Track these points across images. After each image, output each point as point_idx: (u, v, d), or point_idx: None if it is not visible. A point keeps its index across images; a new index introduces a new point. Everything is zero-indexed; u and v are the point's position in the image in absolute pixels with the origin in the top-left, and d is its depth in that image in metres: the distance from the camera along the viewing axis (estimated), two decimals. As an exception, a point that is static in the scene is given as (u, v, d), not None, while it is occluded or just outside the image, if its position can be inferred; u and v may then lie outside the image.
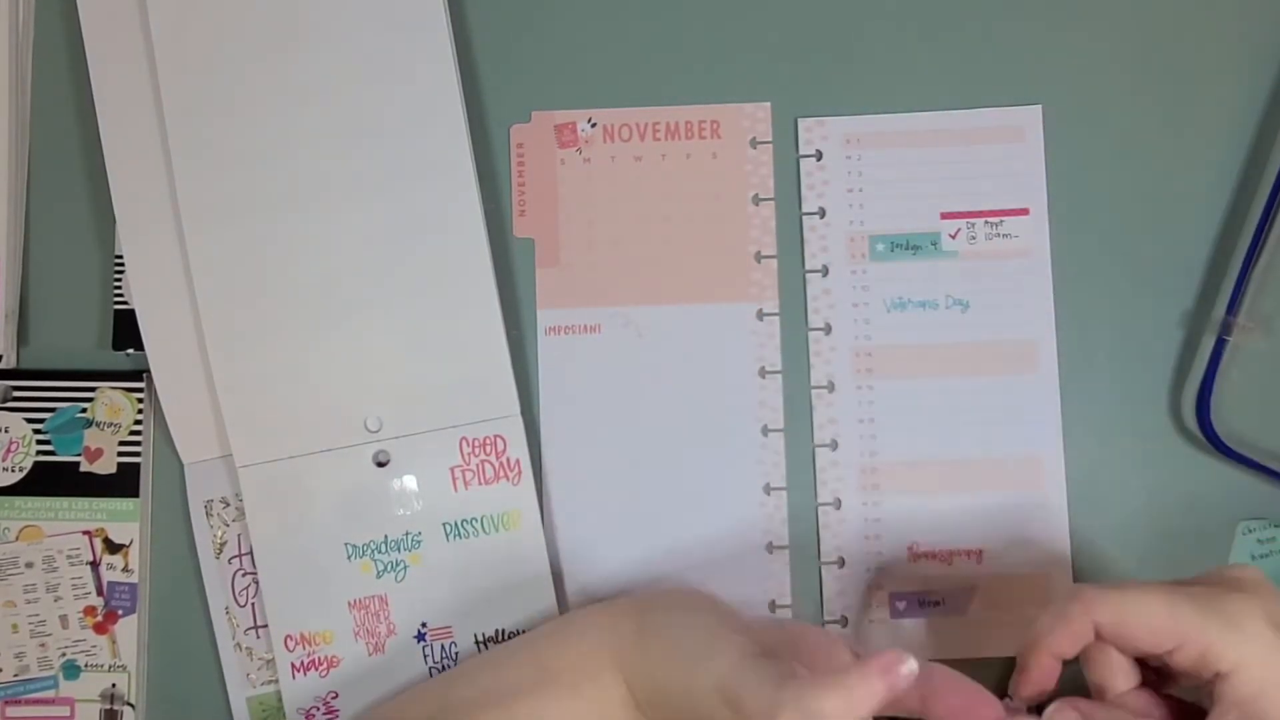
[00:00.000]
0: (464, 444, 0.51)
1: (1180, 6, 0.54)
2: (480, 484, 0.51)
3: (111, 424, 0.52)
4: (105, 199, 0.52)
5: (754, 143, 0.54)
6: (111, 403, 0.52)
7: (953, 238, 0.53)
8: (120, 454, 0.52)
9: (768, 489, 0.52)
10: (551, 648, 0.45)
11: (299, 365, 0.51)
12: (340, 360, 0.51)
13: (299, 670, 0.50)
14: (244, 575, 0.51)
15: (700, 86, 0.54)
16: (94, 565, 0.52)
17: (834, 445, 0.52)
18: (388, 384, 0.51)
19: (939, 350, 0.52)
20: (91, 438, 0.52)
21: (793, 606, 0.52)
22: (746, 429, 0.52)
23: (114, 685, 0.51)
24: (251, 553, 0.51)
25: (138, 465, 0.52)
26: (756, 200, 0.53)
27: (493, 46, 0.54)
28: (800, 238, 0.53)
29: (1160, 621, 0.41)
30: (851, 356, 0.53)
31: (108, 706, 0.51)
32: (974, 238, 0.53)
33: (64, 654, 0.51)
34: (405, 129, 0.51)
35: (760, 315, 0.53)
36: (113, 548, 0.52)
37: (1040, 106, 0.53)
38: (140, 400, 0.52)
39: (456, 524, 0.51)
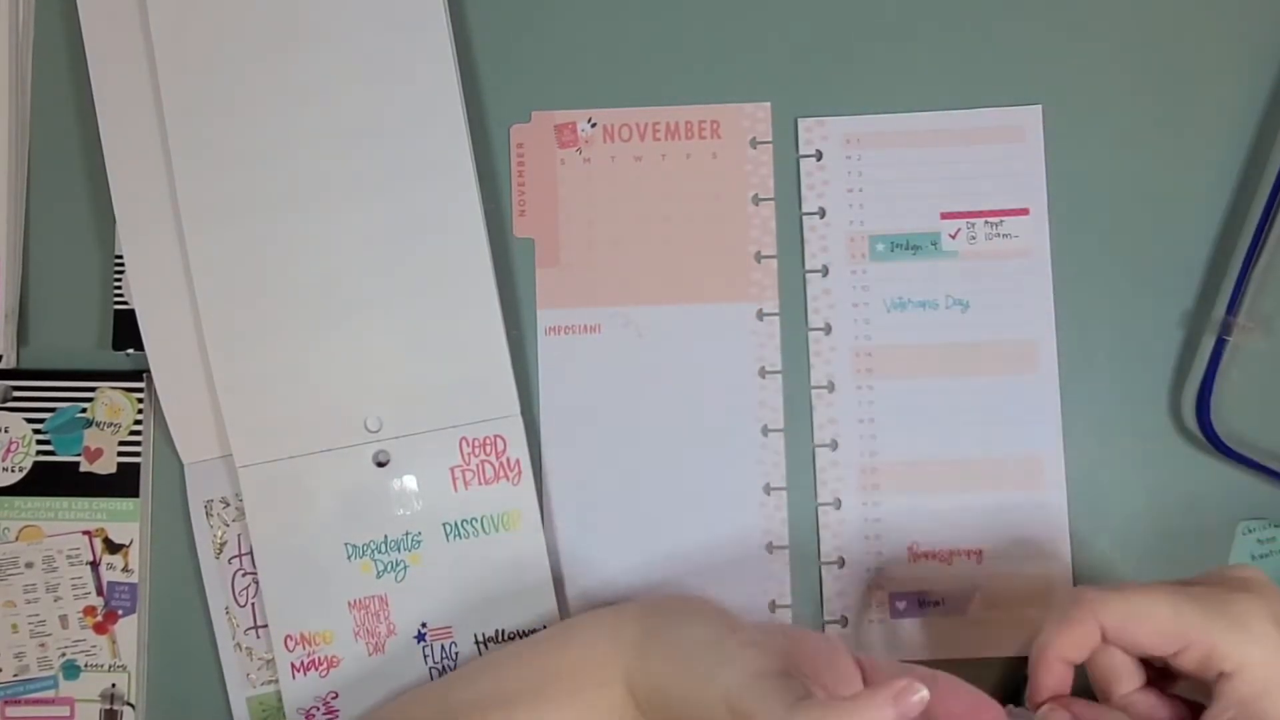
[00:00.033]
0: (464, 444, 0.51)
1: (1180, 6, 0.54)
2: (480, 484, 0.51)
3: (111, 424, 0.52)
4: (105, 199, 0.52)
5: (754, 143, 0.54)
6: (111, 403, 0.52)
7: (953, 238, 0.53)
8: (120, 454, 0.52)
9: (768, 489, 0.52)
10: (553, 652, 0.45)
11: (299, 365, 0.51)
12: (340, 360, 0.51)
13: (299, 670, 0.50)
14: (244, 575, 0.51)
15: (700, 86, 0.54)
16: (94, 565, 0.52)
17: (834, 445, 0.52)
18: (388, 384, 0.51)
19: (939, 350, 0.52)
20: (91, 438, 0.52)
21: (793, 606, 0.52)
22: (746, 429, 0.52)
23: (114, 685, 0.51)
24: (251, 553, 0.51)
25: (138, 465, 0.52)
26: (756, 200, 0.53)
27: (493, 46, 0.54)
28: (800, 238, 0.53)
29: (1165, 623, 0.40)
30: (851, 356, 0.53)
31: (108, 706, 0.51)
32: (974, 238, 0.53)
33: (64, 654, 0.51)
34: (405, 129, 0.51)
35: (760, 315, 0.53)
36: (113, 548, 0.52)
37: (1040, 106, 0.53)
38: (140, 400, 0.52)
39: (456, 524, 0.51)
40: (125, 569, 0.52)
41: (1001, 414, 0.52)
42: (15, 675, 0.51)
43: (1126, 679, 0.43)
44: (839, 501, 0.52)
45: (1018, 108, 0.53)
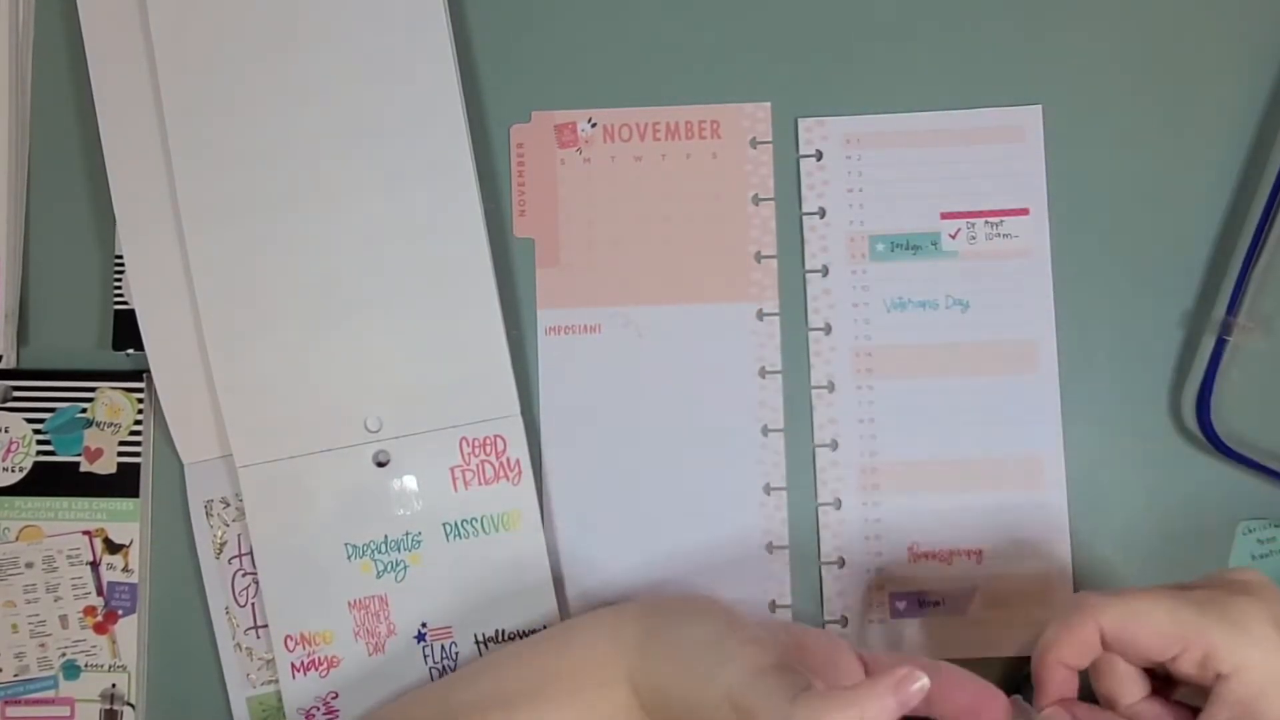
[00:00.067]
0: (464, 444, 0.51)
1: (1180, 6, 0.54)
2: (480, 484, 0.51)
3: (111, 424, 0.52)
4: (105, 199, 0.52)
5: (754, 143, 0.54)
6: (111, 403, 0.52)
7: (953, 238, 0.53)
8: (120, 454, 0.52)
9: (768, 489, 0.52)
10: (554, 652, 0.45)
11: (299, 365, 0.51)
12: (340, 360, 0.51)
13: (299, 670, 0.50)
14: (244, 575, 0.51)
15: (700, 86, 0.54)
16: (94, 565, 0.52)
17: (834, 445, 0.52)
18: (388, 384, 0.51)
19: (939, 350, 0.52)
20: (91, 438, 0.52)
21: (793, 606, 0.52)
22: (746, 429, 0.52)
23: (114, 685, 0.51)
24: (251, 553, 0.51)
25: (138, 465, 0.52)
26: (756, 200, 0.53)
27: (493, 46, 0.54)
28: (800, 238, 0.53)
29: (1163, 624, 0.41)
30: (851, 356, 0.53)
31: (108, 706, 0.51)
32: (974, 238, 0.53)
33: (64, 654, 0.51)
34: (405, 129, 0.51)
35: (760, 315, 0.53)
36: (113, 548, 0.52)
37: (1040, 106, 0.53)
38: (140, 400, 0.52)
39: (456, 524, 0.51)
40: (125, 569, 0.52)
41: (1001, 414, 0.52)
42: (15, 675, 0.51)
43: (1131, 689, 0.43)
44: (839, 501, 0.52)
45: (1018, 108, 0.53)
